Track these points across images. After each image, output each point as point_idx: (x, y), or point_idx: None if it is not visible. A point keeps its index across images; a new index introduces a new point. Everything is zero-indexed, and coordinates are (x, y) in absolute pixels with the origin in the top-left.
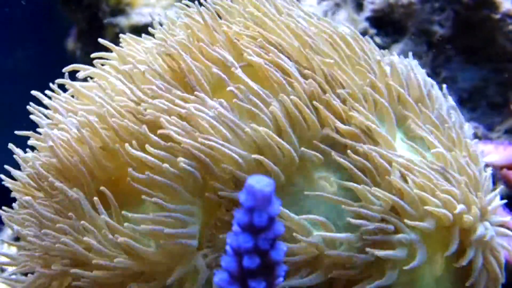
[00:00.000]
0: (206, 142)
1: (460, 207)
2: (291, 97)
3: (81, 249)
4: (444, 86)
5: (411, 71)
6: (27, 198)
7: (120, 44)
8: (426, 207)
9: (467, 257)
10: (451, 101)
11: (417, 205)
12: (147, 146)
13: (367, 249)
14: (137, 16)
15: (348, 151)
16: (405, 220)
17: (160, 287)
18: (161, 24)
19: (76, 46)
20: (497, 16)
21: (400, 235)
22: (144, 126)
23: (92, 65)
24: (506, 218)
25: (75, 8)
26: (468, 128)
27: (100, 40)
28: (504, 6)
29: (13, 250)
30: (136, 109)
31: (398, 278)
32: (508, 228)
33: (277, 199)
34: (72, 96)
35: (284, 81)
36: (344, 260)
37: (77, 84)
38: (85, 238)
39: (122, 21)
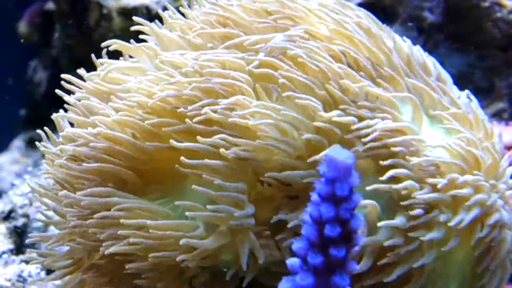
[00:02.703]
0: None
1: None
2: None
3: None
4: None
5: (420, 53)
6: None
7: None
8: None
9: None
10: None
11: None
12: (198, 138)
13: (412, 234)
14: None
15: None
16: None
17: (213, 263)
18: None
19: (30, 31)
20: (486, 4)
21: (441, 216)
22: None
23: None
24: None
25: None
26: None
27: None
28: None
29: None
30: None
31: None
32: None
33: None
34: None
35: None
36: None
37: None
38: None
39: (110, 2)
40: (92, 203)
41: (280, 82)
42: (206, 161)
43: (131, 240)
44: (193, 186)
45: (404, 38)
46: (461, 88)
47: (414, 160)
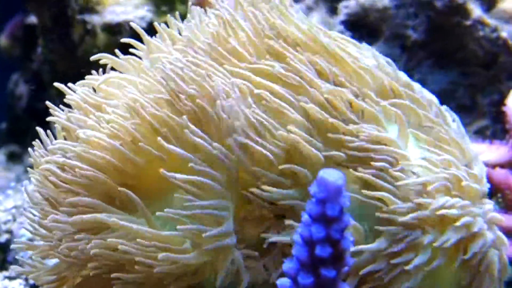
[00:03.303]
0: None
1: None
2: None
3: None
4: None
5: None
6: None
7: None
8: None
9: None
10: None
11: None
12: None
13: (396, 261)
14: (110, 15)
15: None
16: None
17: (197, 282)
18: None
19: (11, 44)
20: (469, 23)
21: (425, 238)
22: (185, 117)
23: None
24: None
25: (41, 3)
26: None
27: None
28: (475, 12)
29: None
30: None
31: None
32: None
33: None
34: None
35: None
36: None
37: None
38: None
39: (95, 19)
40: (77, 221)
41: (255, 93)
42: (192, 177)
43: (119, 247)
44: (166, 210)
45: (388, 59)
46: (444, 105)
47: (400, 178)
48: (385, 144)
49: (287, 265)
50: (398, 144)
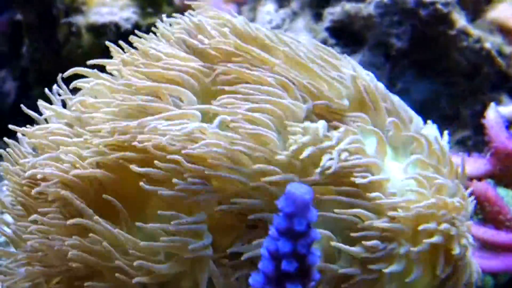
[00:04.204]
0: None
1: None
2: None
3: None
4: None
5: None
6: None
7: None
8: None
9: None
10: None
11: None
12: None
13: (373, 267)
14: (95, 16)
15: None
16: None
17: None
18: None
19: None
20: (453, 32)
21: (401, 249)
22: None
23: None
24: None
25: (26, 2)
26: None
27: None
28: (459, 23)
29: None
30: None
31: None
32: None
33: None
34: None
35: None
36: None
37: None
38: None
39: (80, 19)
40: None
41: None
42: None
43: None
44: (150, 225)
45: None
46: (427, 114)
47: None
48: (362, 157)
49: (254, 278)
50: (378, 164)
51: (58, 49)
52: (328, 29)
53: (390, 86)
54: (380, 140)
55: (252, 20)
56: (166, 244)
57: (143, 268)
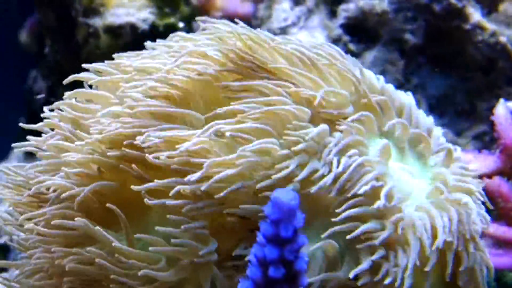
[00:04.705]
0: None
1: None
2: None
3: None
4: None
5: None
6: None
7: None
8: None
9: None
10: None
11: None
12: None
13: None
14: (112, 17)
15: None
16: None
17: None
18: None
19: (31, 41)
20: (467, 27)
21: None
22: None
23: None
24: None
25: (46, 4)
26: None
27: None
28: (473, 17)
29: None
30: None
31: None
32: None
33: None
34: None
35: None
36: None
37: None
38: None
39: (96, 21)
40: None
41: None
42: (167, 201)
43: (96, 260)
44: (157, 228)
45: (378, 76)
46: (443, 109)
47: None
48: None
49: (243, 285)
50: (380, 164)
51: (78, 51)
52: (342, 26)
53: (406, 82)
54: (385, 145)
55: (268, 17)
56: (172, 249)
57: (147, 276)
